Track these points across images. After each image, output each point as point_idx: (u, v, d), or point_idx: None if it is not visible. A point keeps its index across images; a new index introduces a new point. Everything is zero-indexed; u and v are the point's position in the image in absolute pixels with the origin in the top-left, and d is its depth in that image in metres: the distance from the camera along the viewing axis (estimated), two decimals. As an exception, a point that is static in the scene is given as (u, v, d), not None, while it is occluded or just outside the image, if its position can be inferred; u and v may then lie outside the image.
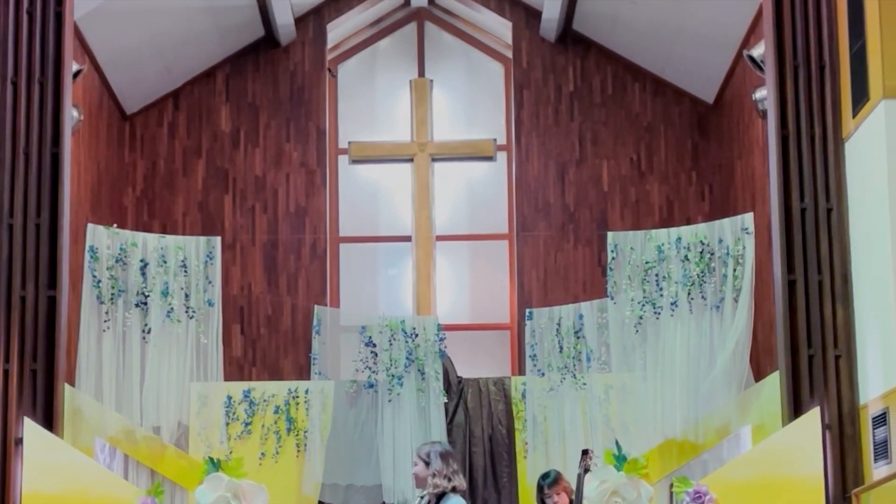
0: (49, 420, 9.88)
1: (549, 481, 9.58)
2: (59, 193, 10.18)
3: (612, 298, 11.47)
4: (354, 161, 14.43)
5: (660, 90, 14.43)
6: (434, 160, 14.39)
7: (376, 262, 14.73)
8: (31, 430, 9.68)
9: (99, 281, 11.41)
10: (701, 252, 11.24)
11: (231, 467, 10.54)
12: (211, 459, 10.61)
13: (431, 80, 14.61)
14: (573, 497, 9.45)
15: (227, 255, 13.44)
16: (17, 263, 10.02)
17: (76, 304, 11.31)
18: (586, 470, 9.44)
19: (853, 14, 9.72)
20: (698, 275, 11.20)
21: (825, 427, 9.64)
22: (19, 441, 9.68)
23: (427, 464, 8.83)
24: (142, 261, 11.55)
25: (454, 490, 8.79)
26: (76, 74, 10.93)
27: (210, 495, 10.43)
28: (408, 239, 14.36)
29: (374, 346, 11.96)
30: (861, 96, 9.56)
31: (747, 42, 12.39)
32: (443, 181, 14.56)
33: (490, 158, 14.42)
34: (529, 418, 11.85)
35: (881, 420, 9.14)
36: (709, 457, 11.21)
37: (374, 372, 11.91)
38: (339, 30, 14.76)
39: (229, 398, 11.84)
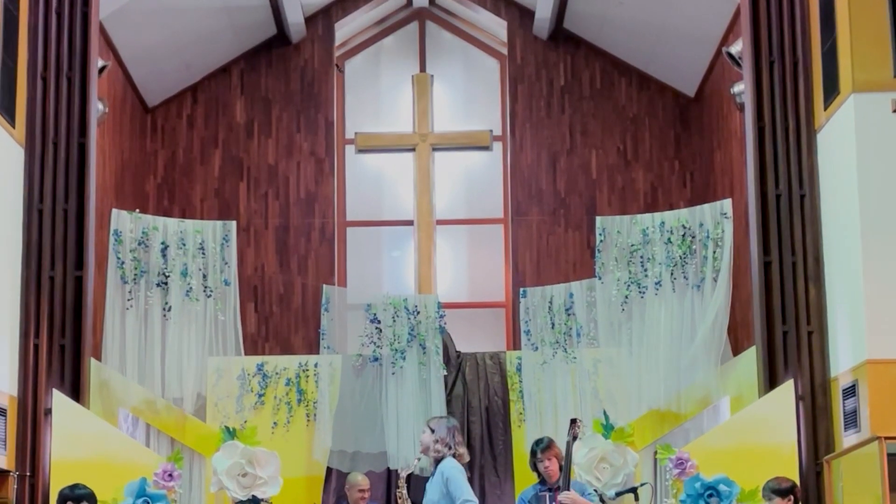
0: (76, 392, 9.90)
1: (542, 447, 9.60)
2: (85, 181, 10.19)
3: (601, 278, 11.45)
4: (360, 150, 14.40)
5: (644, 84, 14.39)
6: (434, 150, 14.35)
7: (380, 245, 14.70)
8: (59, 401, 9.70)
9: (123, 262, 11.39)
10: (683, 235, 11.22)
11: (245, 436, 10.54)
12: (227, 428, 10.61)
13: (432, 76, 14.57)
14: (563, 463, 9.45)
15: (241, 238, 13.42)
16: (47, 246, 10.03)
17: (101, 284, 11.29)
18: (574, 438, 9.45)
19: (825, 13, 9.71)
20: (680, 256, 11.19)
21: (798, 398, 9.66)
22: (48, 411, 9.69)
23: (433, 431, 8.86)
24: (162, 243, 11.53)
25: (453, 456, 8.82)
26: (101, 70, 10.92)
27: (226, 462, 10.43)
28: (410, 223, 14.33)
29: (379, 322, 11.93)
30: (832, 90, 9.55)
31: (726, 39, 12.37)
32: (442, 169, 14.53)
33: (486, 148, 14.38)
34: (525, 390, 11.83)
35: (851, 391, 9.15)
36: (690, 426, 11.21)
37: (378, 347, 11.89)
38: (346, 28, 14.72)
39: (244, 371, 11.82)
